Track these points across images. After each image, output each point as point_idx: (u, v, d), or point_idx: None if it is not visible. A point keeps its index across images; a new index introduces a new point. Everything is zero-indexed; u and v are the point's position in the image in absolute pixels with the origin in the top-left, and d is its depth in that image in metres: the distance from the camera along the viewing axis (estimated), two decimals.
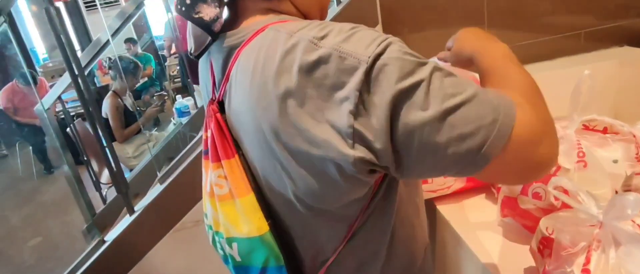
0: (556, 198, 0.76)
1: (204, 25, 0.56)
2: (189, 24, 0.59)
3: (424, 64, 0.46)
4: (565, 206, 0.73)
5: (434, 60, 0.49)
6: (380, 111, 0.45)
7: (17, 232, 3.46)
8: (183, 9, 0.56)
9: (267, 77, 0.50)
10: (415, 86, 0.44)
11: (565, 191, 0.69)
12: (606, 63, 1.29)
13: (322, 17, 0.65)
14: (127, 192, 1.37)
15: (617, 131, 0.85)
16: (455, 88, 0.45)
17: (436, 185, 0.99)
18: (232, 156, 0.58)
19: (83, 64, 1.58)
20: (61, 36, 1.26)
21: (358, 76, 0.45)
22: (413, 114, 0.44)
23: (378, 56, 0.45)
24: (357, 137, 0.46)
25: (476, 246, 0.85)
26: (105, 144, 1.44)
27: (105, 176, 2.80)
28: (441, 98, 0.44)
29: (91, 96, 1.39)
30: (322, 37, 0.48)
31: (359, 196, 0.54)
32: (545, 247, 0.67)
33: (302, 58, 0.47)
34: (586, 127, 0.88)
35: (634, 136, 0.82)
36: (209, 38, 0.58)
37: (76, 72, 1.31)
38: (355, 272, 0.62)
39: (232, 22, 0.59)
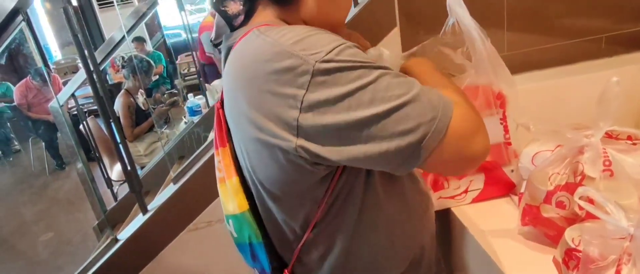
0: (580, 208, 0.74)
1: (227, 18, 0.65)
2: (217, 15, 0.68)
3: (373, 68, 0.52)
4: (590, 216, 0.71)
5: (385, 65, 0.55)
6: (324, 108, 0.50)
7: (29, 227, 3.50)
8: (214, 0, 0.66)
9: (238, 70, 0.58)
10: (362, 87, 0.50)
11: (591, 201, 0.67)
12: (629, 68, 1.25)
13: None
14: (140, 191, 1.37)
15: None
16: (401, 88, 0.51)
17: (452, 190, 0.98)
18: (225, 145, 0.68)
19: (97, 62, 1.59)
20: (78, 35, 1.27)
21: (306, 76, 0.50)
22: (360, 112, 0.50)
23: (327, 61, 0.50)
24: (300, 131, 0.52)
25: (495, 253, 0.84)
26: (118, 142, 1.45)
27: (115, 172, 2.82)
28: (387, 98, 0.50)
29: (106, 94, 1.40)
30: (281, 37, 0.54)
31: (308, 184, 0.60)
32: (571, 258, 0.65)
33: (262, 55, 0.54)
34: (609, 136, 0.86)
35: None
36: (228, 31, 0.67)
37: (92, 69, 1.32)
38: (319, 261, 0.68)
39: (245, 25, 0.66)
